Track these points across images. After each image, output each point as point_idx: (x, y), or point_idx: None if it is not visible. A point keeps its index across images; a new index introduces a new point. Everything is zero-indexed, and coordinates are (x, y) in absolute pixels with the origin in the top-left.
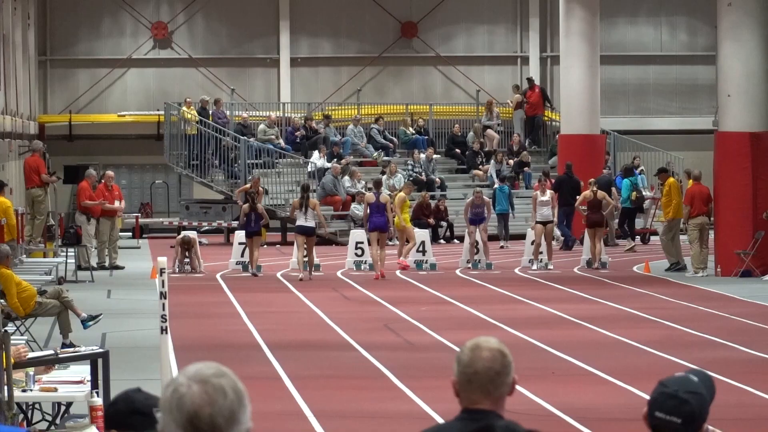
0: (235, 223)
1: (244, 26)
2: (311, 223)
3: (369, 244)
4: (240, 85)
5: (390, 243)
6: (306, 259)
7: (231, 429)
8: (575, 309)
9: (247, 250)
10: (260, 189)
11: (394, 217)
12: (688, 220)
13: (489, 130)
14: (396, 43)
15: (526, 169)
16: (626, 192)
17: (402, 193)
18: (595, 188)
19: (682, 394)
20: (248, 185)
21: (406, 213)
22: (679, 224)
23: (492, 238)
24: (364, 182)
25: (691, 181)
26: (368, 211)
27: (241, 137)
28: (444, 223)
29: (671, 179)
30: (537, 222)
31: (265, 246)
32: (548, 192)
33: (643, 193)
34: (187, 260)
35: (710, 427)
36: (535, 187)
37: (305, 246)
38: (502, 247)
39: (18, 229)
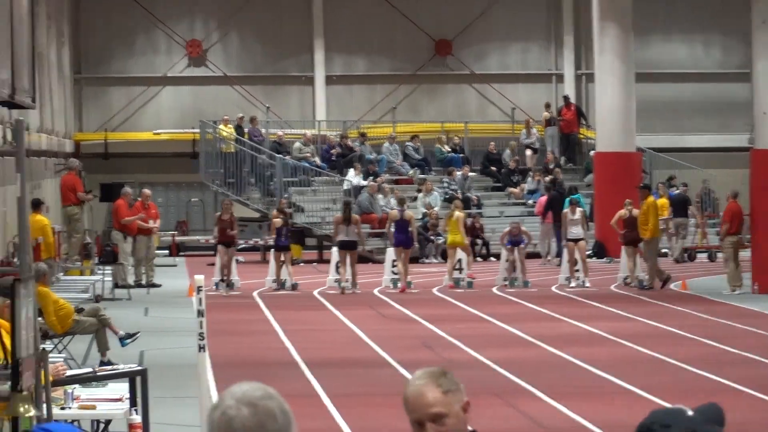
0: (272, 241)
1: (279, 44)
2: (353, 237)
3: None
4: (275, 102)
5: (427, 261)
6: (347, 276)
7: None
8: (612, 326)
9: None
10: (287, 211)
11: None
12: (724, 238)
13: (527, 149)
14: (430, 60)
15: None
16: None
17: (459, 212)
18: (630, 207)
19: (657, 427)
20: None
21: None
22: (658, 244)
23: (532, 255)
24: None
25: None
26: (392, 226)
27: (277, 155)
28: (480, 241)
29: (651, 198)
30: (568, 240)
31: (301, 264)
32: (578, 210)
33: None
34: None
35: None
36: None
37: (348, 261)
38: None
39: (55, 248)
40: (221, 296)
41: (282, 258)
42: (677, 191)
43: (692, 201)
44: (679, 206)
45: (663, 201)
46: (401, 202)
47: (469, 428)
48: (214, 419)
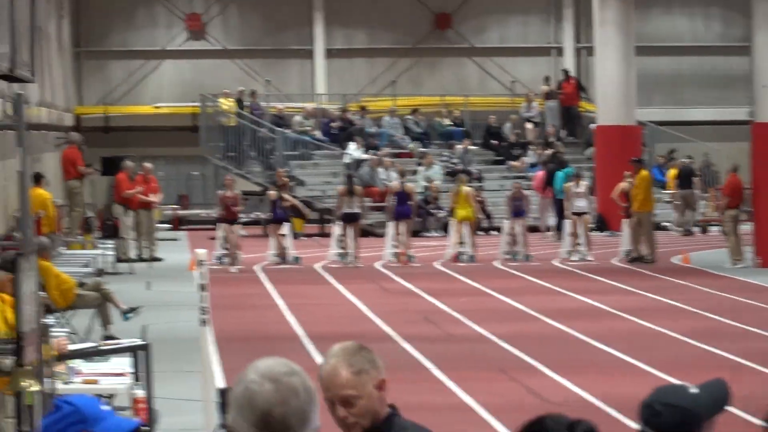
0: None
1: (279, 17)
2: (356, 209)
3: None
4: (275, 76)
5: (428, 234)
6: (350, 249)
7: (302, 428)
8: (615, 300)
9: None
10: (285, 180)
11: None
12: (724, 212)
13: (528, 122)
14: (430, 34)
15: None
16: (559, 184)
17: (466, 186)
18: (630, 179)
19: (657, 405)
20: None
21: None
22: (649, 217)
23: (532, 229)
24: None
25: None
26: (393, 199)
27: (278, 129)
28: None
29: (644, 172)
30: (573, 213)
31: (304, 238)
32: (582, 184)
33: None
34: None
35: None
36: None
37: (350, 233)
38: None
39: (56, 222)
40: (226, 271)
41: (280, 231)
42: (681, 162)
43: (696, 173)
44: (685, 178)
45: (672, 172)
46: (401, 174)
47: (388, 406)
48: (237, 393)
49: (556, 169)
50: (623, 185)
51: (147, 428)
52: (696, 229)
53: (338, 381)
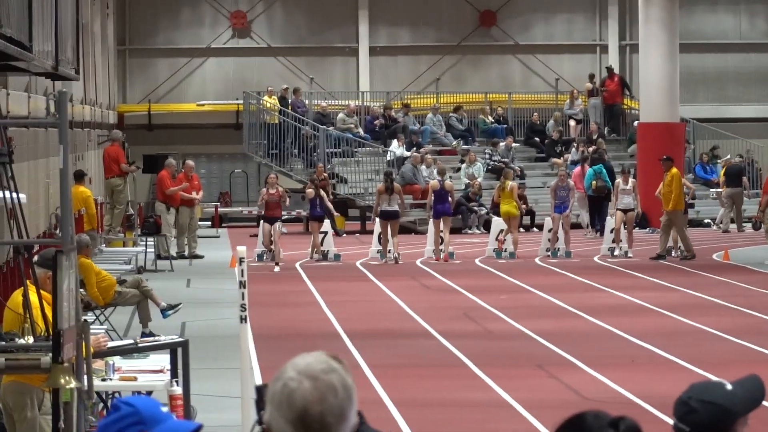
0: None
1: (323, 15)
2: (395, 207)
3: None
4: (319, 74)
5: (469, 231)
6: (389, 246)
7: (340, 427)
8: (655, 297)
9: (319, 238)
10: (324, 176)
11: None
12: (765, 209)
13: (571, 119)
14: (475, 31)
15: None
16: (588, 181)
17: (512, 182)
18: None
19: (694, 402)
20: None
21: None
22: (678, 216)
23: (574, 226)
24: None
25: None
26: (432, 197)
27: (320, 126)
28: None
29: (674, 169)
30: (618, 209)
31: (344, 235)
32: (630, 181)
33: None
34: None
35: None
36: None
37: (389, 231)
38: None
39: (98, 219)
40: (268, 269)
41: (321, 228)
42: (733, 161)
43: (745, 172)
44: (734, 176)
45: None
46: (442, 172)
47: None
48: (275, 390)
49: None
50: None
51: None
52: (747, 225)
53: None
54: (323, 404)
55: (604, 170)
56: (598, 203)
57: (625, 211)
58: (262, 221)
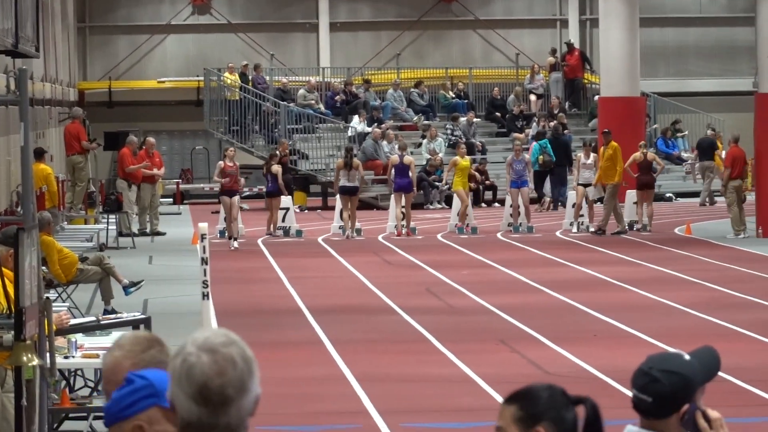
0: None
1: None
2: (354, 183)
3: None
4: (279, 50)
5: (431, 207)
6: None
7: (241, 399)
8: (617, 271)
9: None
10: (277, 153)
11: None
12: (727, 183)
13: (531, 94)
14: (435, 6)
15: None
16: (534, 155)
17: (463, 159)
18: (645, 150)
19: (655, 372)
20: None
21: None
22: (617, 190)
23: (533, 201)
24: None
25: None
26: (393, 172)
27: (281, 102)
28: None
29: (614, 143)
30: (578, 184)
31: (306, 211)
32: (592, 155)
33: (683, 155)
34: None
35: (700, 409)
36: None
37: (348, 206)
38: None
39: (59, 196)
40: (228, 245)
41: (278, 204)
42: (681, 136)
43: (718, 145)
44: (707, 150)
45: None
46: (402, 147)
47: None
48: (175, 366)
49: (556, 141)
50: (637, 155)
51: None
52: (721, 199)
53: (117, 378)
54: (223, 377)
55: (549, 145)
56: (543, 177)
57: (585, 186)
58: (221, 196)
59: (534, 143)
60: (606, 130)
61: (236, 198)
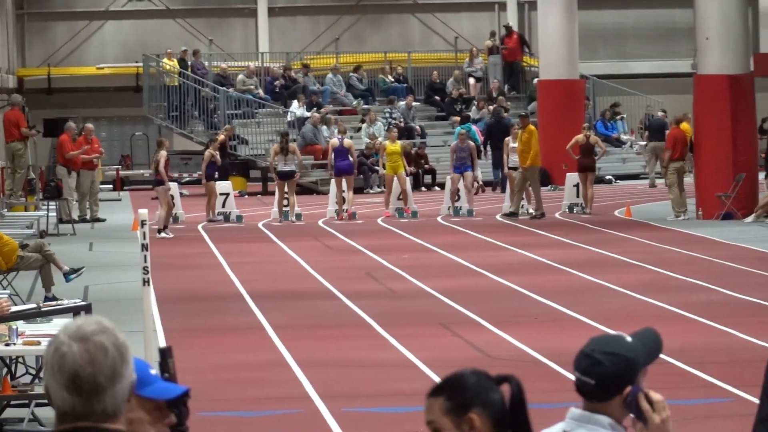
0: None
1: None
2: (291, 167)
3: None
4: (218, 35)
5: (371, 191)
6: (287, 205)
7: (114, 386)
8: (557, 254)
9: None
10: (216, 138)
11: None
12: (668, 164)
13: (471, 78)
14: None
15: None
16: (455, 139)
17: (394, 143)
18: (588, 132)
19: (598, 354)
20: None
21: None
22: (537, 172)
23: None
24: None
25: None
26: (332, 155)
27: (221, 88)
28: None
29: (531, 126)
30: (509, 168)
31: (246, 196)
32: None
33: (622, 137)
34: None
35: (643, 391)
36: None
37: (286, 191)
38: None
39: None
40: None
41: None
42: (620, 118)
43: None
44: (657, 131)
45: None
46: (342, 131)
47: None
48: (48, 356)
49: (497, 123)
50: (579, 137)
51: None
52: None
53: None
54: (94, 365)
55: (472, 128)
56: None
57: (515, 169)
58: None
59: (457, 127)
60: (523, 113)
61: (161, 188)
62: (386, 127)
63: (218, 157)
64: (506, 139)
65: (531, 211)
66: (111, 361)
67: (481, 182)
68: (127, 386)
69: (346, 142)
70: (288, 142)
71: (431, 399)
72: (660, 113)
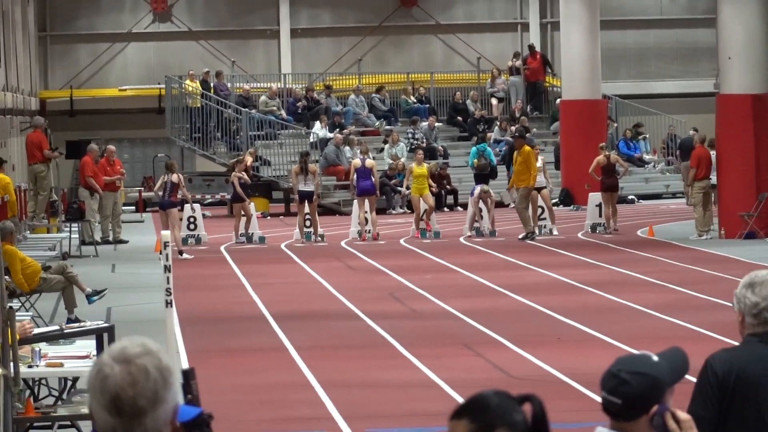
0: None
1: None
2: (311, 188)
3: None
4: (240, 57)
5: (393, 212)
6: (309, 226)
7: (155, 409)
8: (580, 274)
9: (244, 222)
10: (239, 160)
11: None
12: (693, 183)
13: (493, 98)
14: (396, 12)
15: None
16: (471, 159)
17: (418, 166)
18: (607, 152)
19: (624, 374)
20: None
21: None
22: (529, 193)
23: (497, 204)
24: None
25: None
26: (354, 176)
27: (243, 109)
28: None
29: (527, 147)
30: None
31: (269, 217)
32: (540, 158)
33: (645, 157)
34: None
35: (669, 410)
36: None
37: (308, 212)
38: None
39: (20, 206)
40: (192, 252)
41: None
42: (643, 138)
43: (649, 148)
44: (688, 150)
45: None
46: (364, 151)
47: None
48: (92, 377)
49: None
50: (600, 158)
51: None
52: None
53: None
54: (135, 388)
55: (488, 149)
56: (483, 180)
57: (537, 189)
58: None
59: (472, 147)
60: (517, 134)
61: (173, 210)
62: (409, 148)
63: (246, 177)
64: None
65: (555, 232)
66: (153, 384)
67: (492, 195)
68: (169, 410)
69: (369, 162)
70: (308, 162)
71: (454, 421)
72: (691, 132)
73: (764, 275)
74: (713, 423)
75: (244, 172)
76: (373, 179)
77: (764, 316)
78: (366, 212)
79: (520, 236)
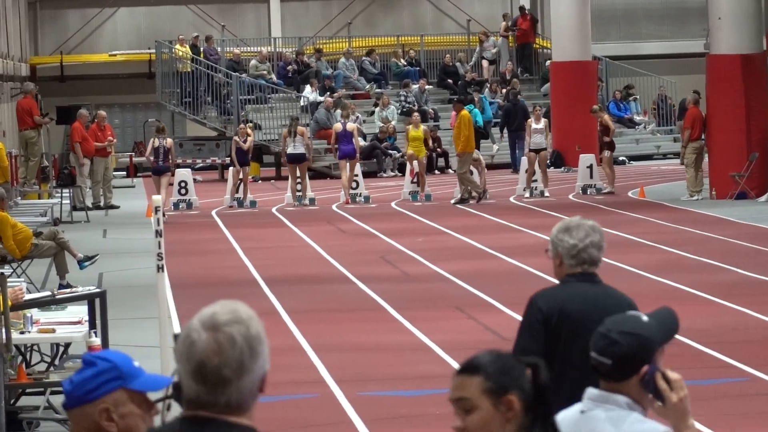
0: (228, 160)
1: None
2: (301, 150)
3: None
4: (230, 21)
5: (384, 174)
6: (300, 189)
7: (240, 379)
8: None
9: (242, 186)
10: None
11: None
12: (687, 144)
13: (483, 60)
14: None
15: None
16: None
17: (417, 128)
18: (601, 113)
19: (614, 334)
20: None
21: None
22: (470, 158)
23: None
24: (358, 115)
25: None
26: (336, 139)
27: (233, 73)
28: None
29: (465, 111)
30: (530, 150)
31: (259, 181)
32: (542, 120)
33: (635, 118)
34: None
35: (660, 369)
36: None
37: (298, 176)
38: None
39: (12, 172)
40: (184, 217)
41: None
42: (633, 99)
43: (640, 110)
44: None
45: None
46: (345, 116)
47: None
48: (179, 342)
49: (514, 106)
50: (607, 117)
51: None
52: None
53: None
54: (220, 357)
55: (476, 110)
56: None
57: (537, 151)
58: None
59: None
60: (459, 98)
61: (164, 177)
62: (400, 111)
63: (241, 142)
64: (528, 120)
65: (547, 194)
66: (238, 354)
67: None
68: (256, 380)
69: (350, 126)
70: (297, 125)
71: (464, 377)
72: (693, 94)
73: (578, 220)
74: (542, 355)
75: (243, 141)
76: (355, 142)
77: (581, 257)
78: (356, 176)
79: (455, 200)
